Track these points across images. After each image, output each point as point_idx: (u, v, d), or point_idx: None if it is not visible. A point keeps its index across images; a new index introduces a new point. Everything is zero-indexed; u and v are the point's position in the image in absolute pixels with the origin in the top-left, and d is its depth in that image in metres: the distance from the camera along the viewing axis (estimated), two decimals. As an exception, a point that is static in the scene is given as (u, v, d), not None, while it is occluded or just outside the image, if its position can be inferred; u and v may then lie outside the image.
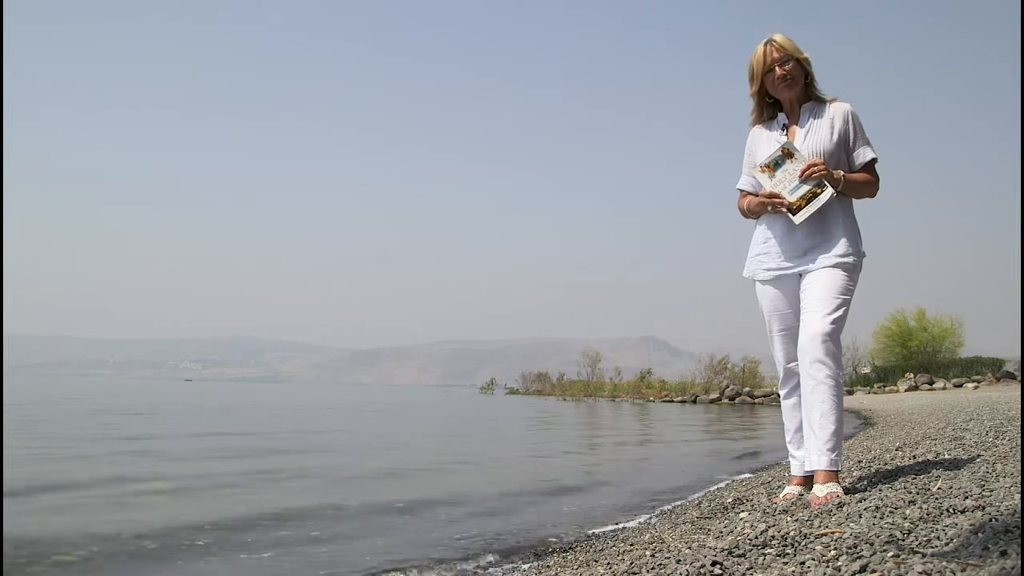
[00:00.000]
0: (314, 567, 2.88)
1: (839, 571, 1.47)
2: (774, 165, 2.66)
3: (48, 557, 2.93)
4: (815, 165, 2.58)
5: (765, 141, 2.80)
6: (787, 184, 2.64)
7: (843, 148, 2.69)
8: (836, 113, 2.70)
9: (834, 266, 2.60)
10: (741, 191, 2.90)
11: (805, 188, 2.61)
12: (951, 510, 1.88)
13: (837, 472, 2.50)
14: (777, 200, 2.67)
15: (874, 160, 2.69)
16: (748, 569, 1.67)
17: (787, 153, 2.63)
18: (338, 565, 2.90)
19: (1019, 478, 2.21)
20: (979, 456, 3.10)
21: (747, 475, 5.72)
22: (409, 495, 4.67)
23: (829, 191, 2.60)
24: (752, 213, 2.85)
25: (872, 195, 2.72)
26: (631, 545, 2.66)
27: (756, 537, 1.92)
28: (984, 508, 1.84)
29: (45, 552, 3.00)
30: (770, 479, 4.15)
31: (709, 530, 2.52)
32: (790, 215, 2.65)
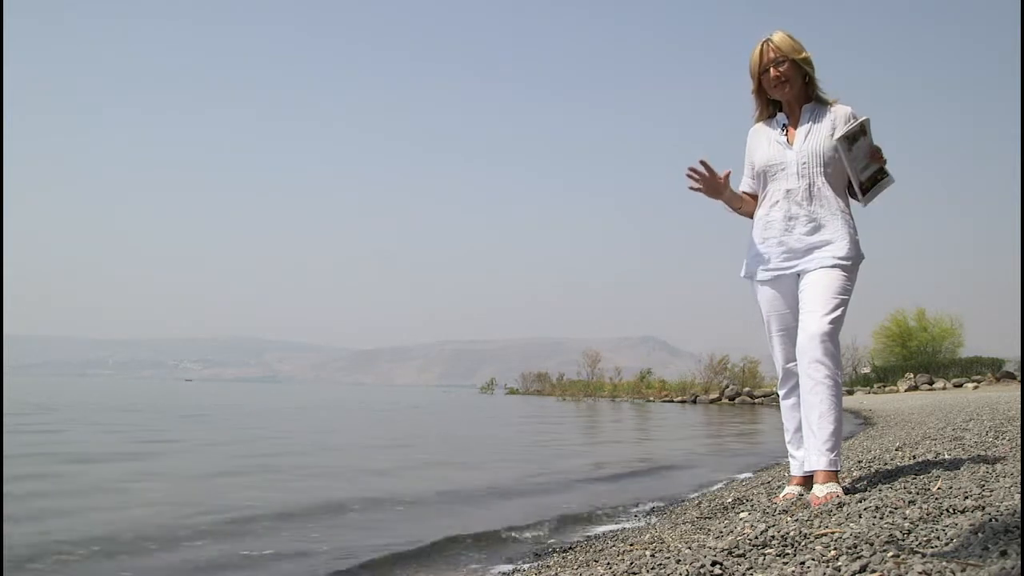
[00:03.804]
0: (314, 565, 2.88)
1: (839, 571, 1.47)
2: (852, 138, 2.53)
3: (48, 556, 2.94)
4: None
5: (764, 141, 2.79)
6: (859, 161, 2.54)
7: None
8: (837, 116, 2.68)
9: (832, 266, 2.59)
10: (744, 193, 2.90)
11: (872, 169, 2.54)
12: (951, 510, 1.88)
13: (837, 472, 2.50)
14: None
15: None
16: (748, 569, 1.67)
17: (863, 129, 2.53)
18: (338, 564, 2.90)
19: (1019, 478, 2.21)
20: (979, 456, 3.10)
21: (747, 475, 5.72)
22: (409, 495, 4.67)
23: (892, 177, 2.54)
24: (739, 205, 2.84)
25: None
26: (631, 545, 2.66)
27: (756, 537, 1.92)
28: (984, 508, 1.84)
29: (45, 551, 3.00)
30: (770, 479, 4.15)
31: (709, 530, 2.52)
32: (859, 194, 2.58)
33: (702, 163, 2.73)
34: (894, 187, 2.63)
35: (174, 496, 4.62)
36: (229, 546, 3.19)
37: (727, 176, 2.75)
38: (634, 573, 1.94)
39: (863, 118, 2.55)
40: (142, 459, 6.81)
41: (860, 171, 2.55)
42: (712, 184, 2.74)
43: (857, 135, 2.53)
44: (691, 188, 2.76)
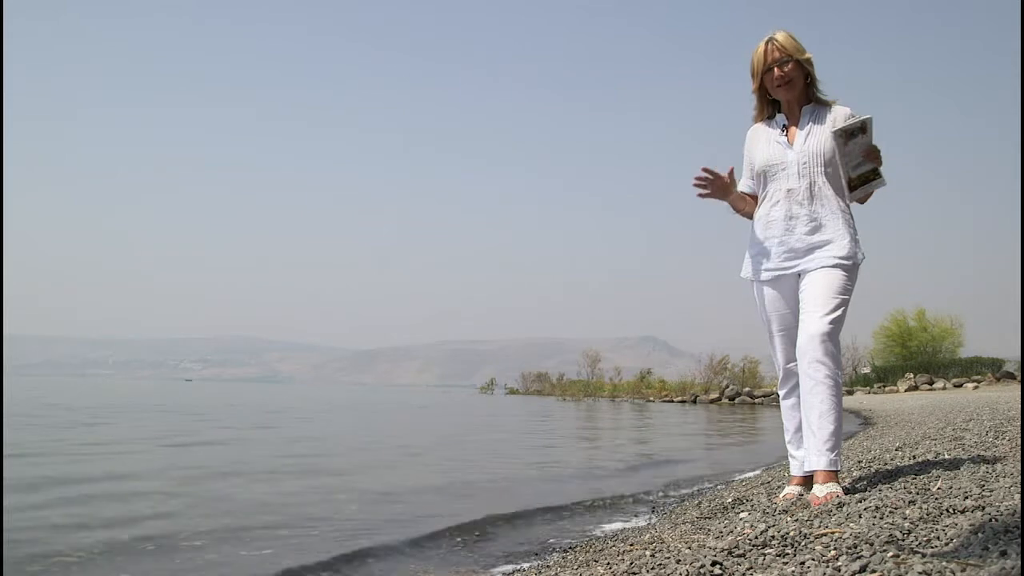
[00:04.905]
0: (314, 566, 2.88)
1: (839, 571, 1.47)
2: (850, 134, 2.57)
3: (48, 557, 2.94)
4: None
5: (763, 140, 2.79)
6: (854, 158, 2.59)
7: None
8: (837, 117, 2.68)
9: (833, 266, 2.59)
10: (743, 193, 2.89)
11: (865, 168, 2.58)
12: (951, 510, 1.88)
13: (836, 472, 2.50)
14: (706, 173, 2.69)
15: None
16: (748, 569, 1.67)
17: (863, 128, 2.56)
18: (338, 564, 2.90)
19: (1019, 478, 2.21)
20: (979, 456, 3.10)
21: (747, 475, 5.72)
22: (409, 496, 4.67)
23: (884, 180, 2.58)
24: (739, 209, 2.84)
25: (863, 200, 2.73)
26: (631, 545, 2.66)
27: (756, 537, 1.92)
28: (984, 508, 1.84)
29: (45, 551, 3.00)
30: (770, 479, 4.15)
31: (709, 530, 2.52)
32: (847, 189, 2.62)
33: (705, 169, 2.75)
34: (895, 186, 2.65)
35: (175, 495, 4.62)
36: (229, 546, 3.19)
37: (731, 172, 2.77)
38: (634, 573, 1.94)
39: (866, 116, 2.58)
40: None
41: (852, 167, 2.60)
42: (720, 185, 2.77)
43: (856, 131, 2.56)
44: (700, 195, 2.78)
